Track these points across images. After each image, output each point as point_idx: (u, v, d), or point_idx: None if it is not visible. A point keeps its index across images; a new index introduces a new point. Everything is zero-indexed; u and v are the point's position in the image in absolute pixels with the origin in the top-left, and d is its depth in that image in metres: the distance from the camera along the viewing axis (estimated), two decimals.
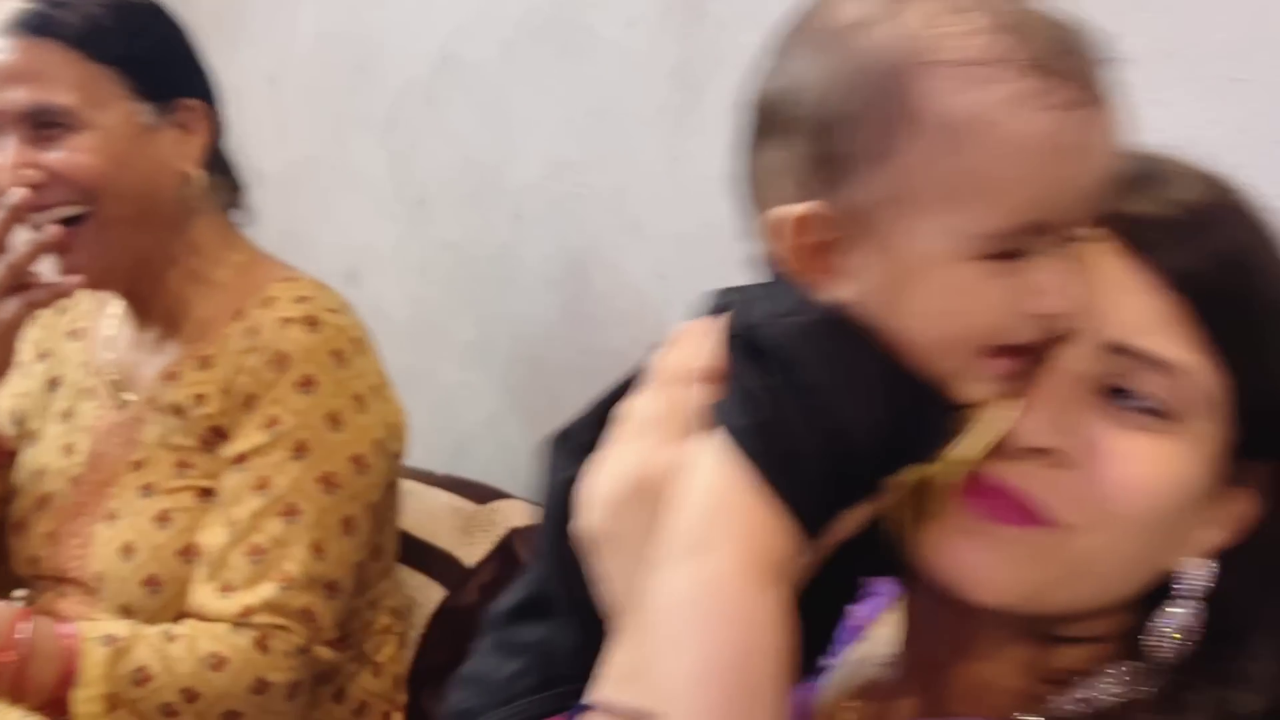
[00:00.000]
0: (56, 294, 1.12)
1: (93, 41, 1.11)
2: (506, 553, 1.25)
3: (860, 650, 0.67)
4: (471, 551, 1.28)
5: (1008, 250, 0.50)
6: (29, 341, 1.23)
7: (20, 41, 1.09)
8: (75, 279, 1.10)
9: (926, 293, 0.51)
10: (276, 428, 1.08)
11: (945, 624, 0.58)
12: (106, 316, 1.25)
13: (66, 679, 1.01)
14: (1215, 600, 0.55)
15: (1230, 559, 0.55)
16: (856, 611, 0.66)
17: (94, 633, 1.04)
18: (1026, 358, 0.53)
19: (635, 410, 0.56)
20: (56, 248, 1.09)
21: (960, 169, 0.49)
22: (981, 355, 0.52)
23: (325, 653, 1.08)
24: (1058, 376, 0.53)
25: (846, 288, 0.52)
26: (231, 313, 1.15)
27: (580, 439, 0.60)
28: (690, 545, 0.50)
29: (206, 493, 1.12)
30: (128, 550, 1.11)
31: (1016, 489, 0.53)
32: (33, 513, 1.18)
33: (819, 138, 0.51)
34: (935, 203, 0.49)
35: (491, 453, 1.60)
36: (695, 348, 0.55)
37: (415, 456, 1.67)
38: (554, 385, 1.51)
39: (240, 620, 1.05)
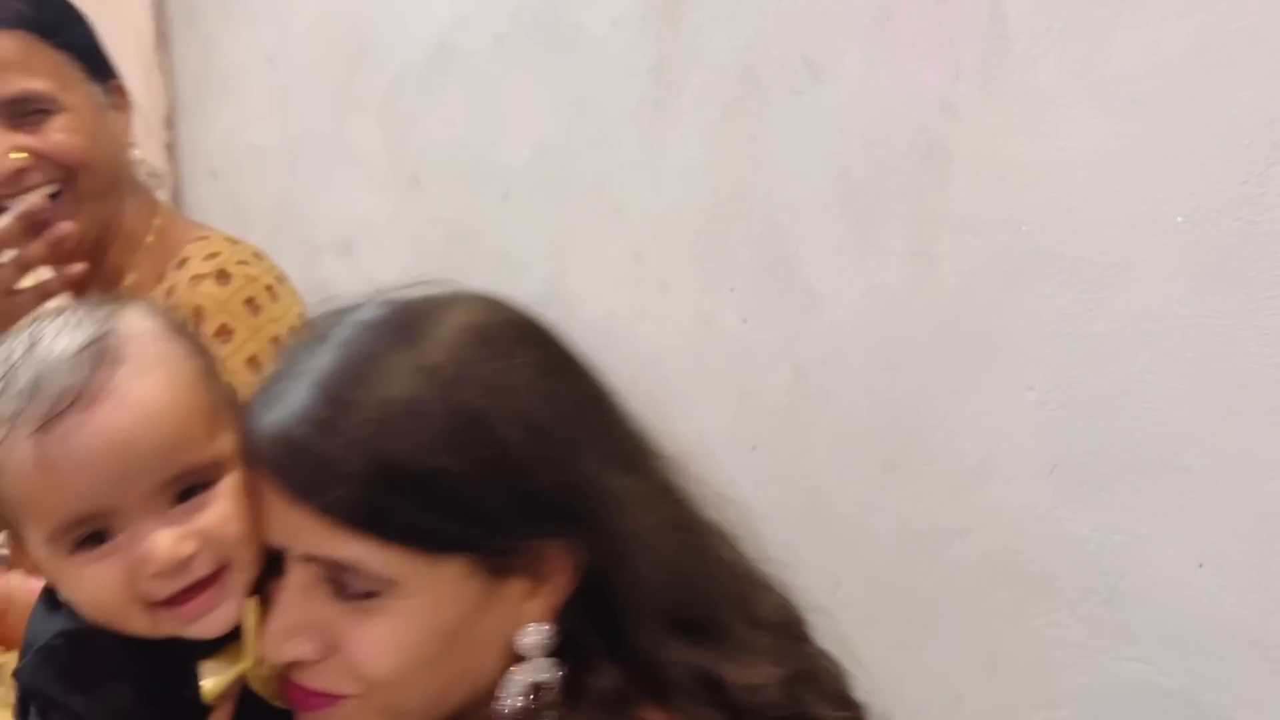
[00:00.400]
0: (65, 281, 1.14)
1: (54, 30, 1.16)
2: None
3: None
4: None
5: (90, 536, 0.60)
6: None
7: None
8: (78, 266, 1.14)
9: (67, 587, 0.62)
10: None
11: None
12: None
13: None
14: (567, 648, 0.63)
15: (564, 615, 0.63)
16: None
17: None
18: (212, 593, 0.61)
19: None
20: (42, 223, 1.11)
21: (6, 503, 0.61)
22: (156, 611, 0.60)
23: None
24: (288, 593, 0.61)
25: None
26: (155, 277, 1.20)
27: None
28: None
29: None
30: None
31: (304, 687, 0.62)
32: None
33: None
34: (18, 522, 0.61)
35: None
36: None
37: None
38: None
39: None
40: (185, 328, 0.69)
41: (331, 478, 0.58)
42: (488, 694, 0.63)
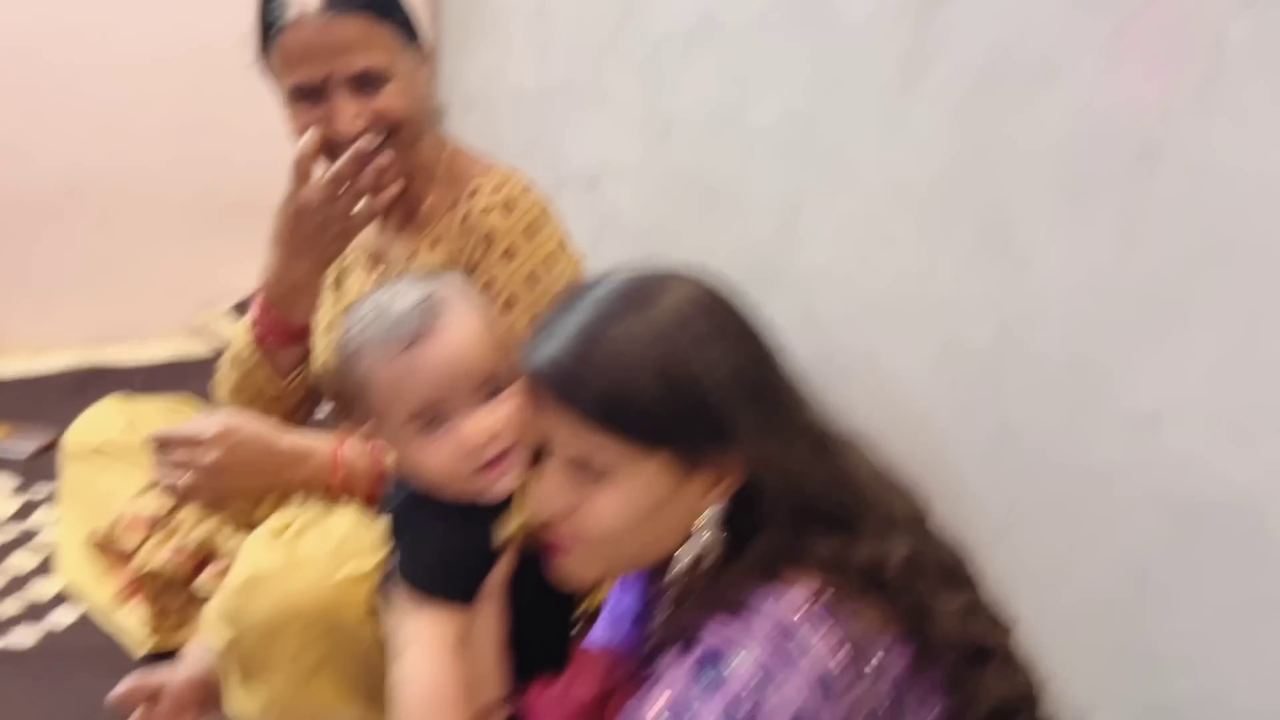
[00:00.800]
0: (385, 201, 1.36)
1: (388, 9, 1.34)
2: None
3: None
4: None
5: (430, 421, 0.92)
6: None
7: (339, 17, 1.30)
8: (394, 187, 1.35)
9: (413, 460, 0.94)
10: (491, 289, 1.36)
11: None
12: None
13: (377, 482, 1.29)
14: (732, 524, 0.92)
15: (733, 500, 0.92)
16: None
17: None
18: (507, 463, 0.93)
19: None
20: (368, 158, 1.31)
21: (375, 399, 0.94)
22: (475, 475, 0.92)
23: None
24: (544, 471, 0.92)
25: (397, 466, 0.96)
26: (449, 203, 1.42)
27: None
28: (404, 644, 0.92)
29: None
30: None
31: (550, 539, 0.93)
32: (326, 354, 1.45)
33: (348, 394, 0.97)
34: (381, 414, 0.94)
35: None
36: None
37: None
38: (758, 292, 1.84)
39: None
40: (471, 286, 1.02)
41: (582, 391, 0.87)
42: (670, 557, 0.94)
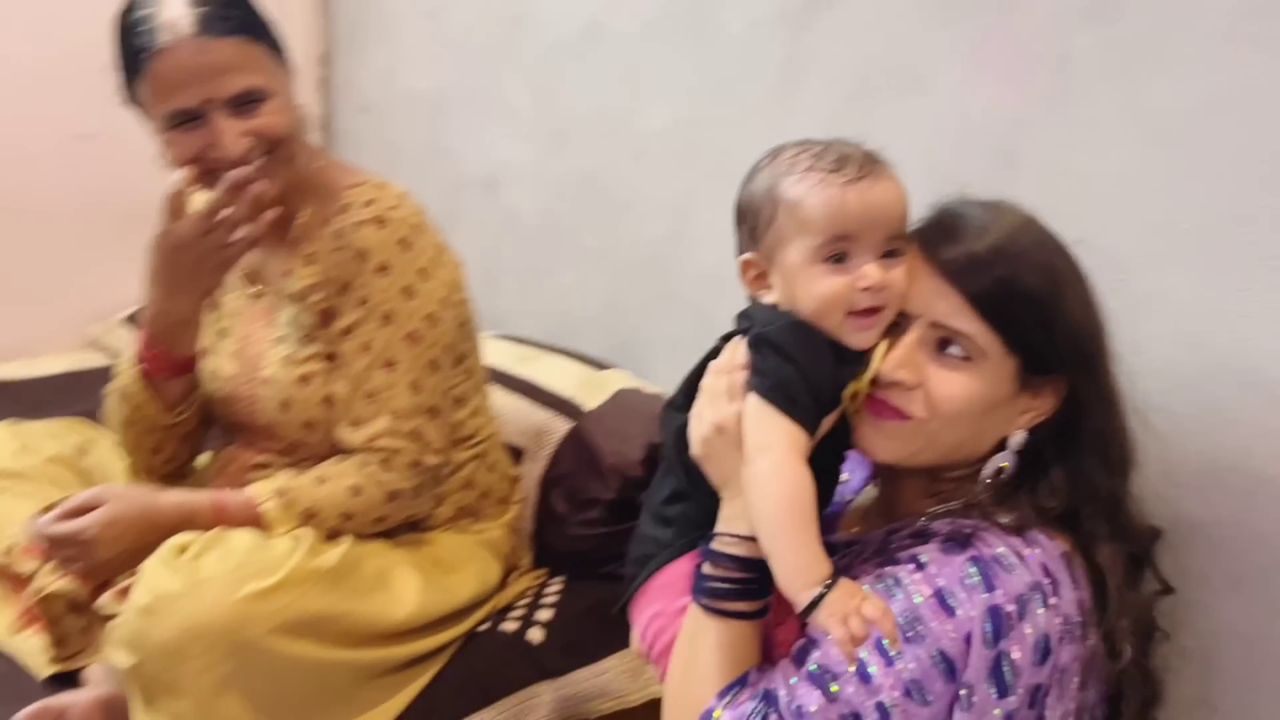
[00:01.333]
0: (263, 227, 1.34)
1: (253, 28, 1.34)
2: (618, 403, 1.66)
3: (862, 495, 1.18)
4: (588, 400, 1.67)
5: (835, 255, 0.96)
6: None
7: (214, 40, 1.29)
8: (271, 212, 1.33)
9: (803, 286, 0.97)
10: (367, 305, 1.36)
11: (888, 478, 1.09)
12: None
13: (256, 522, 1.32)
14: (1028, 452, 0.99)
15: (1037, 429, 0.99)
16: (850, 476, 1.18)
17: (266, 492, 1.33)
18: (878, 319, 0.97)
19: (709, 387, 1.03)
20: (242, 186, 1.31)
21: (799, 219, 0.96)
22: (847, 318, 0.96)
23: (434, 459, 1.37)
24: (907, 339, 0.98)
25: (773, 295, 1.00)
26: (321, 219, 1.41)
27: (680, 403, 1.07)
28: (758, 449, 0.95)
29: (330, 357, 1.40)
30: (285, 405, 1.41)
31: (889, 401, 0.99)
32: (210, 383, 1.49)
33: (744, 220, 0.99)
34: (792, 238, 0.97)
35: (598, 336, 1.96)
36: (733, 352, 1.02)
37: (538, 332, 2.06)
38: (651, 290, 1.87)
39: (368, 445, 1.36)
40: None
41: (984, 277, 0.95)
42: (968, 463, 1.01)
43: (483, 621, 1.49)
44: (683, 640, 1.00)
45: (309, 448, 1.44)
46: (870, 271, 0.95)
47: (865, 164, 0.96)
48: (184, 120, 1.31)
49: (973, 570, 0.91)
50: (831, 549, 0.95)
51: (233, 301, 1.51)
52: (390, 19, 2.53)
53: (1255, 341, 1.09)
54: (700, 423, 1.01)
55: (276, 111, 1.35)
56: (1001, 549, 0.93)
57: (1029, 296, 0.95)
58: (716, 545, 0.98)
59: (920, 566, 0.93)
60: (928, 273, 0.98)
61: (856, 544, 1.06)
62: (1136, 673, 0.97)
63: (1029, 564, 0.92)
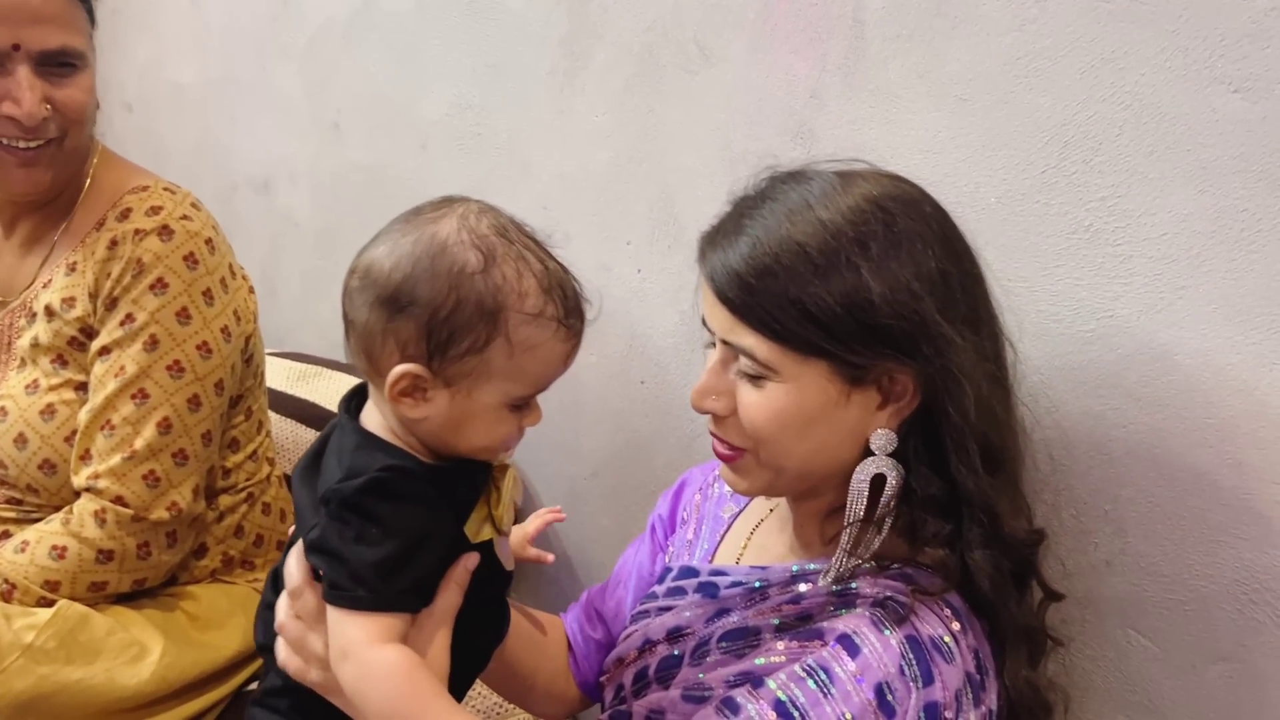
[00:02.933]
0: None
1: None
2: None
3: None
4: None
5: (522, 403, 0.84)
6: None
7: None
8: None
9: (484, 426, 0.84)
10: (131, 324, 1.19)
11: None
12: None
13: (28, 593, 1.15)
14: (900, 455, 0.86)
15: (905, 426, 0.86)
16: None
17: None
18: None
19: (285, 625, 0.85)
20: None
21: (519, 365, 0.82)
22: (501, 446, 0.86)
23: (166, 513, 1.19)
24: (711, 362, 0.88)
25: (423, 412, 0.83)
26: (94, 223, 1.23)
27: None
28: (339, 655, 0.79)
29: (82, 387, 1.22)
30: (21, 440, 1.22)
31: (717, 436, 0.89)
32: None
33: (431, 329, 0.80)
34: (499, 379, 0.82)
35: None
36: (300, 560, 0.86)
37: (320, 346, 1.88)
38: None
39: (88, 486, 1.17)
40: None
41: (742, 291, 0.83)
42: (843, 475, 0.87)
43: (253, 678, 1.30)
44: None
45: (46, 494, 1.24)
46: (537, 415, 0.87)
47: (583, 312, 0.86)
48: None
49: (910, 657, 0.80)
50: (710, 584, 0.90)
51: None
52: (149, 7, 2.29)
53: (1063, 319, 1.02)
54: (309, 659, 0.85)
55: (85, 89, 1.19)
56: (941, 633, 0.82)
57: (787, 296, 0.82)
58: None
59: (853, 651, 0.81)
60: (712, 295, 0.86)
61: (757, 577, 0.94)
62: (1029, 692, 0.87)
63: (963, 650, 0.82)
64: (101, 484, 1.18)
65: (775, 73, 1.21)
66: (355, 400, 0.89)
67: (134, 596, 1.24)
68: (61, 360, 1.23)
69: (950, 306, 0.83)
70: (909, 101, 1.11)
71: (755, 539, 1.01)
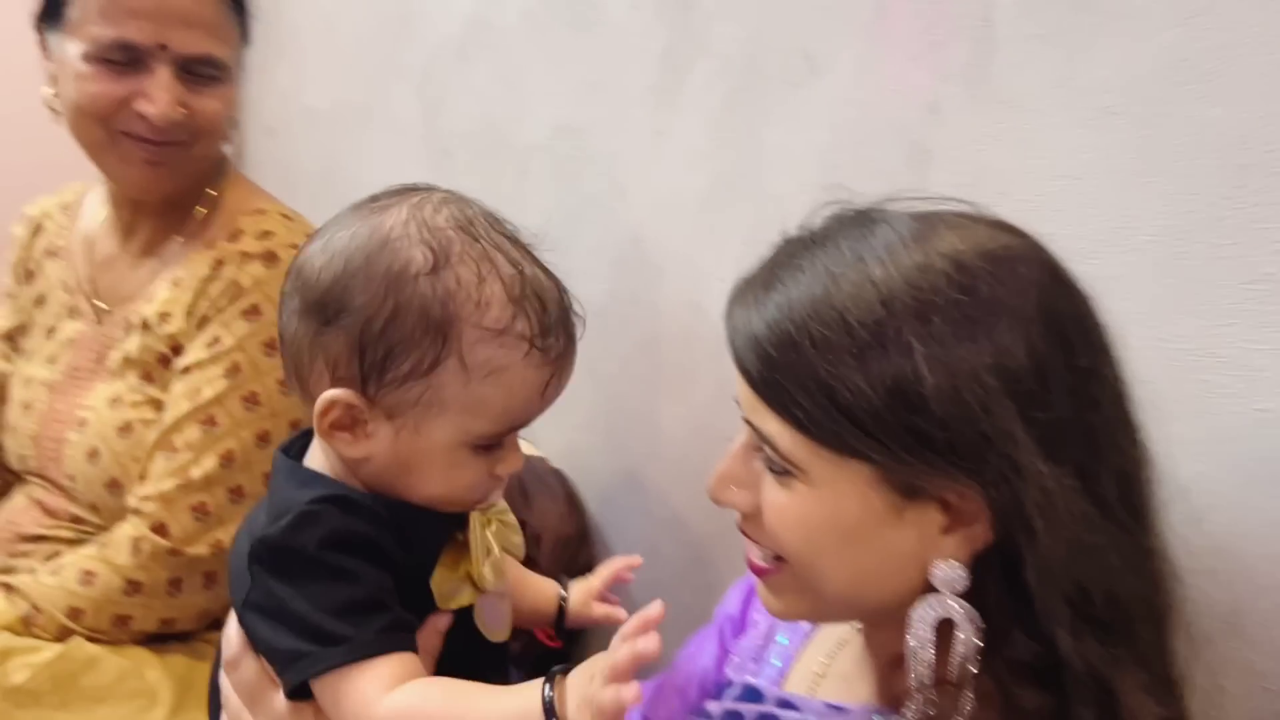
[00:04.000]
0: None
1: (241, 2, 1.19)
2: None
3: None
4: None
5: (491, 444, 0.69)
6: (9, 267, 1.34)
7: None
8: None
9: (431, 468, 0.69)
10: (216, 347, 1.15)
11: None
12: (83, 231, 1.30)
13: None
14: (975, 597, 0.63)
15: (978, 568, 0.64)
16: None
17: None
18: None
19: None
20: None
21: (478, 395, 0.67)
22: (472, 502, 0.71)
23: (207, 550, 1.12)
24: (733, 448, 0.69)
25: (362, 450, 0.68)
26: (205, 241, 1.21)
27: None
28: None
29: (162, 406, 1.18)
30: (93, 455, 1.19)
31: (751, 557, 0.70)
32: (20, 417, 1.27)
33: (365, 346, 0.66)
34: (453, 411, 0.67)
35: None
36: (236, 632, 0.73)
37: None
38: None
39: (135, 509, 1.13)
40: None
41: (761, 363, 0.64)
42: (900, 611, 0.66)
43: None
44: None
45: (107, 515, 1.19)
46: (516, 458, 0.72)
47: (570, 333, 0.71)
48: (120, 57, 1.11)
49: None
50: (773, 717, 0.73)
51: (69, 328, 1.28)
52: (291, 31, 2.30)
53: (1235, 394, 0.79)
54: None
55: (224, 101, 1.17)
56: None
57: (814, 377, 0.62)
58: None
59: None
60: (731, 354, 0.68)
61: (834, 718, 0.75)
62: None
63: None
64: (148, 508, 1.12)
65: (888, 83, 1.03)
66: (300, 441, 0.76)
67: (166, 640, 1.16)
68: (148, 377, 1.20)
69: (1042, 415, 0.61)
70: (1045, 115, 0.90)
71: (838, 665, 0.81)
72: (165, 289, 1.20)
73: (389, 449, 0.68)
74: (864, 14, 1.05)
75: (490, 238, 0.68)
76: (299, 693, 0.68)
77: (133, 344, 1.21)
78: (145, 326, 1.20)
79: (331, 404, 0.67)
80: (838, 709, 0.74)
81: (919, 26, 1.00)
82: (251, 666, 0.71)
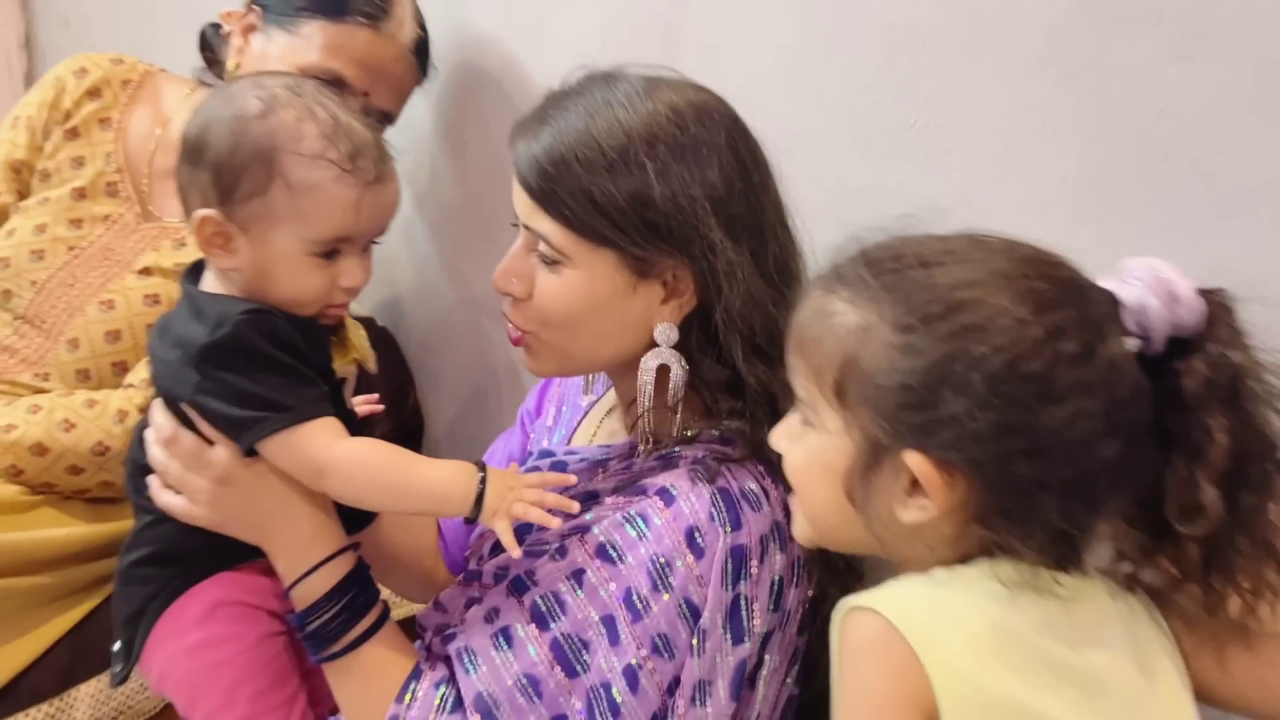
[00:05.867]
0: None
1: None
2: None
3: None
4: None
5: (327, 251, 0.90)
6: (45, 103, 1.40)
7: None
8: None
9: (286, 275, 0.90)
10: None
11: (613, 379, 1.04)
12: (148, 124, 1.41)
13: None
14: (684, 348, 0.92)
15: (685, 326, 0.92)
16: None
17: None
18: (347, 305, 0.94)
19: (167, 467, 0.93)
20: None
21: (302, 208, 0.88)
22: (326, 309, 0.92)
23: None
24: (514, 247, 0.93)
25: (232, 261, 0.90)
26: None
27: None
28: (317, 473, 0.88)
29: None
30: (114, 336, 1.30)
31: (509, 319, 0.95)
32: (24, 259, 1.35)
33: (218, 173, 0.87)
34: (286, 222, 0.88)
35: None
36: (163, 415, 0.93)
37: None
38: None
39: (131, 384, 1.26)
40: None
41: (540, 179, 0.88)
42: (630, 364, 0.93)
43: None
44: (339, 697, 0.93)
45: (89, 383, 1.31)
46: (356, 273, 0.91)
47: (380, 162, 0.90)
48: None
49: (721, 505, 0.87)
50: (562, 463, 0.98)
51: (106, 204, 1.38)
52: None
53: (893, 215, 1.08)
54: (195, 494, 0.92)
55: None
56: (751, 485, 0.89)
57: (579, 186, 0.87)
58: (301, 595, 0.91)
59: (669, 501, 0.88)
60: (518, 184, 0.91)
61: (602, 454, 1.01)
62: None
63: (772, 502, 0.88)
64: (146, 392, 1.25)
65: None
66: (192, 273, 0.95)
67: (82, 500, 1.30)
68: None
69: (728, 213, 0.88)
70: (761, 4, 1.16)
71: (605, 424, 1.09)
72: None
73: (249, 260, 0.89)
74: None
75: (315, 96, 0.89)
76: (249, 454, 0.89)
77: (179, 256, 1.33)
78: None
79: (204, 220, 0.88)
80: (606, 448, 1.01)
81: None
82: (188, 436, 0.91)
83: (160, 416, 0.93)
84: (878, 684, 0.68)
